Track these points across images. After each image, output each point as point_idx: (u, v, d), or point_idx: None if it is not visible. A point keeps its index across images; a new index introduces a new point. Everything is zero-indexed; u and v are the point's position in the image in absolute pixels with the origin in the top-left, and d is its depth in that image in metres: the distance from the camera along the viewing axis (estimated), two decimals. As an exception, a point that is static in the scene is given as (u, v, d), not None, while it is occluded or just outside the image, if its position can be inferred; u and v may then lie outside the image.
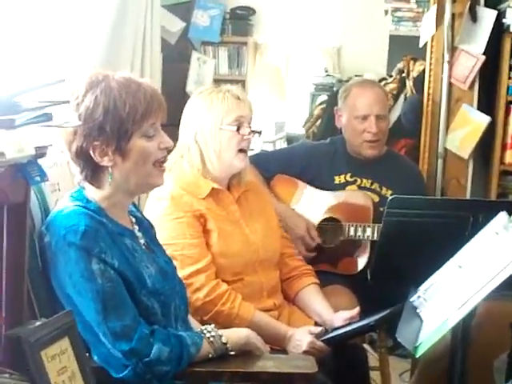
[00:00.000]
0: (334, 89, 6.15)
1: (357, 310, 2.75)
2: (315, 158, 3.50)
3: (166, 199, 2.62)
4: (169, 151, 2.17)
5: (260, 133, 2.82)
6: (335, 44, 7.39)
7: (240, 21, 7.18)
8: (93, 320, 1.96)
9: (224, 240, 2.67)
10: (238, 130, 2.68)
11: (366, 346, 3.51)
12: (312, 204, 3.41)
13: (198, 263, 2.59)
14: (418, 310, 2.13)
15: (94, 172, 2.06)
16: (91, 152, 2.02)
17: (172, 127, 2.20)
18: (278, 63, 7.62)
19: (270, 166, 3.33)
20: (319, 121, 5.33)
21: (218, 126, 2.67)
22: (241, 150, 2.71)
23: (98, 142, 2.01)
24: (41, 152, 1.79)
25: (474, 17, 4.09)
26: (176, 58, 4.22)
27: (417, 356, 1.95)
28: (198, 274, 2.58)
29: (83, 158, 2.04)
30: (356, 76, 6.18)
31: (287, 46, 7.65)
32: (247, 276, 2.72)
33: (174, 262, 2.41)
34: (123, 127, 2.01)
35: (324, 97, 6.06)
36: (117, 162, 2.04)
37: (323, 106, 5.45)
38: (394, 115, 4.83)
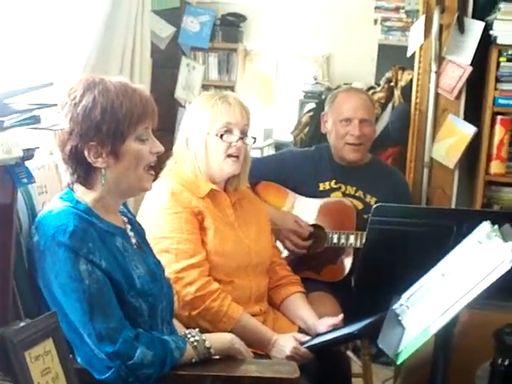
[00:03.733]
0: (323, 97, 6.18)
1: (340, 316, 2.77)
2: (300, 165, 3.52)
3: (166, 194, 2.65)
4: (159, 157, 2.20)
5: (255, 139, 2.83)
6: (325, 52, 7.44)
7: (230, 27, 7.22)
8: (78, 321, 1.97)
9: (219, 239, 2.70)
10: (221, 136, 2.70)
11: (349, 353, 3.54)
12: (300, 211, 3.42)
13: (193, 258, 2.61)
14: (400, 318, 2.14)
15: (86, 173, 2.07)
16: (86, 153, 2.03)
17: (160, 132, 2.22)
18: (268, 70, 7.65)
19: (254, 172, 3.35)
20: (307, 128, 5.36)
21: (206, 132, 2.71)
22: (230, 156, 2.73)
23: (93, 142, 2.03)
24: (28, 154, 1.80)
25: (461, 28, 4.12)
26: (165, 63, 4.22)
27: (398, 363, 1.96)
28: (191, 268, 2.60)
29: (77, 158, 2.05)
30: (345, 84, 6.21)
31: (277, 53, 7.69)
32: (238, 279, 2.74)
33: (169, 256, 2.48)
34: (119, 129, 2.04)
35: (312, 104, 6.08)
36: (110, 163, 2.06)
37: (311, 113, 5.48)
38: (382, 124, 4.86)
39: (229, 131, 2.72)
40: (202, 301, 2.59)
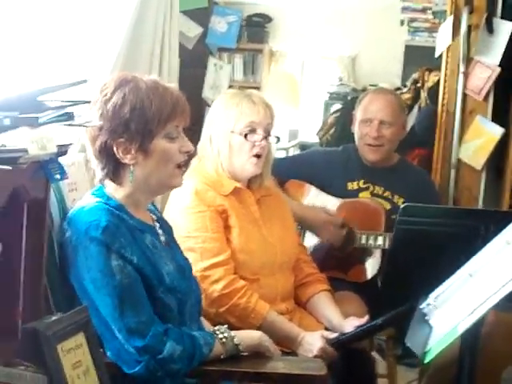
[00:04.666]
0: (348, 98, 6.18)
1: (366, 317, 2.75)
2: (328, 164, 3.53)
3: (190, 193, 2.66)
4: (189, 155, 2.21)
5: (278, 138, 2.84)
6: (350, 53, 7.42)
7: (256, 28, 7.21)
8: (109, 315, 1.99)
9: (244, 237, 2.71)
10: (245, 136, 2.71)
11: (374, 353, 3.53)
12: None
13: (218, 257, 2.62)
14: (427, 318, 2.14)
15: (115, 169, 2.10)
16: (115, 149, 2.05)
17: (187, 132, 2.23)
18: (293, 71, 7.64)
19: (283, 171, 3.36)
20: (333, 129, 5.36)
21: (230, 131, 2.71)
22: (253, 156, 2.74)
23: (122, 139, 2.05)
24: (62, 150, 1.82)
25: (490, 28, 4.10)
26: (193, 63, 4.24)
27: (425, 362, 1.97)
28: (216, 266, 2.61)
29: (106, 154, 2.07)
30: (370, 85, 6.20)
31: (302, 54, 7.68)
32: (264, 277, 2.75)
33: (194, 255, 2.49)
34: (148, 126, 2.05)
35: (338, 105, 6.08)
36: (139, 160, 2.08)
37: (337, 114, 5.49)
38: (408, 125, 4.84)
39: (253, 130, 2.72)
40: (228, 298, 2.60)
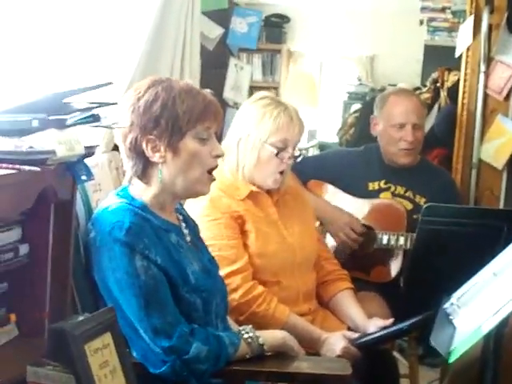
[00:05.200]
0: (367, 98, 6.18)
1: (391, 320, 2.73)
2: (349, 165, 3.53)
3: (203, 201, 2.62)
4: None
5: (300, 152, 2.82)
6: (369, 53, 7.42)
7: (274, 28, 7.23)
8: (134, 316, 2.01)
9: (262, 241, 2.69)
10: (277, 154, 2.69)
11: (395, 353, 3.53)
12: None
13: (235, 264, 2.61)
14: (451, 317, 2.14)
15: (144, 167, 2.10)
16: (144, 146, 2.06)
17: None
18: (312, 71, 7.65)
19: (305, 171, 3.36)
20: (353, 129, 5.36)
21: (263, 141, 2.68)
22: (279, 173, 2.73)
23: (152, 135, 2.05)
24: (89, 152, 1.84)
25: (511, 28, 4.09)
26: (214, 64, 4.25)
27: (450, 362, 1.96)
28: (234, 274, 2.59)
29: (136, 151, 2.08)
30: (389, 85, 6.19)
31: (321, 54, 7.69)
32: (285, 279, 2.73)
33: None
34: (177, 123, 2.06)
35: (357, 105, 6.07)
36: (168, 159, 2.08)
37: (357, 114, 5.48)
38: (428, 125, 4.83)
39: (284, 147, 2.70)
40: (247, 306, 2.59)
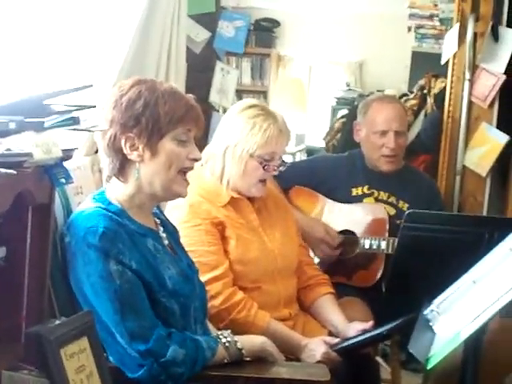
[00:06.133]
0: (355, 103, 6.18)
1: (371, 323, 2.74)
2: (333, 170, 3.53)
3: (184, 207, 2.63)
4: None
5: (284, 161, 2.83)
6: (358, 59, 7.45)
7: (264, 32, 7.24)
8: (110, 320, 2.00)
9: (242, 247, 2.68)
10: (264, 167, 2.69)
11: (378, 358, 3.53)
12: (332, 217, 3.43)
13: (215, 270, 2.60)
14: (430, 323, 2.14)
15: (121, 165, 2.10)
16: (123, 143, 2.06)
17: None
18: (300, 76, 7.66)
19: (288, 177, 3.36)
20: (339, 134, 5.37)
21: (250, 153, 2.67)
22: (261, 181, 2.74)
23: (131, 133, 2.06)
24: (67, 154, 1.83)
25: (495, 36, 4.11)
26: (200, 67, 4.24)
27: (428, 368, 1.97)
28: (214, 281, 2.58)
29: (114, 148, 2.08)
30: (378, 91, 6.21)
31: (310, 59, 7.70)
32: (265, 285, 2.73)
33: None
34: (158, 124, 2.06)
35: (345, 111, 6.09)
36: (145, 158, 2.08)
37: (344, 119, 5.49)
38: (414, 131, 4.86)
39: (271, 159, 2.70)
40: (227, 313, 2.58)
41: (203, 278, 2.53)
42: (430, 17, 6.32)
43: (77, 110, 1.87)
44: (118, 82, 2.80)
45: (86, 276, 2.02)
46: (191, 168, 2.18)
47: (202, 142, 2.67)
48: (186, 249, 2.45)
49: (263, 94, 7.10)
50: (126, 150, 2.08)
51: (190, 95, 2.21)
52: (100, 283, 2.00)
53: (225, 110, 3.83)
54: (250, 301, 2.63)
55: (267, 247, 2.77)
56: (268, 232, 2.81)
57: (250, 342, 2.23)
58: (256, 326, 2.59)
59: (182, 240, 2.47)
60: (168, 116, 2.07)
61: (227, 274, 2.63)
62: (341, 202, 3.45)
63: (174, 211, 2.63)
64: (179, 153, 2.11)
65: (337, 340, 2.66)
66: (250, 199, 2.81)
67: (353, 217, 3.43)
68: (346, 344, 2.63)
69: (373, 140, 3.47)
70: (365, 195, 3.47)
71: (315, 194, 3.50)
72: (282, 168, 2.78)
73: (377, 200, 3.46)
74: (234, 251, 2.67)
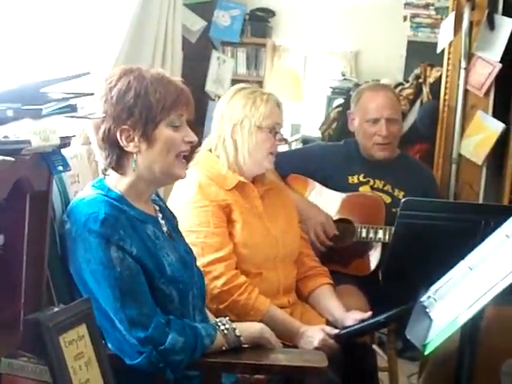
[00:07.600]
0: (351, 93, 6.14)
1: (369, 313, 2.75)
2: (329, 159, 3.54)
3: (193, 187, 2.67)
4: (192, 147, 2.22)
5: (287, 141, 2.89)
6: (353, 48, 7.41)
7: (259, 22, 7.20)
8: (110, 307, 2.00)
9: (247, 231, 2.72)
10: (275, 134, 2.76)
11: (375, 346, 3.55)
12: (324, 204, 3.43)
13: (219, 252, 2.63)
14: (427, 310, 2.15)
15: (118, 158, 2.10)
16: (118, 136, 2.06)
17: (190, 125, 2.24)
18: (296, 66, 7.64)
19: (284, 166, 3.36)
20: (335, 123, 5.37)
21: (257, 124, 2.73)
22: (271, 153, 2.78)
23: (125, 125, 2.05)
24: (65, 142, 1.83)
25: (491, 25, 4.11)
26: (196, 56, 4.24)
27: (425, 354, 1.97)
28: (218, 262, 2.61)
29: (109, 141, 2.08)
30: (373, 81, 6.19)
31: (305, 48, 7.67)
32: (266, 271, 2.76)
33: (196, 250, 2.46)
34: (151, 113, 2.06)
35: (340, 100, 6.08)
36: (142, 148, 2.08)
37: (339, 109, 5.49)
38: (410, 120, 4.86)
39: (276, 130, 2.78)
40: (229, 294, 2.61)
41: (207, 258, 2.58)
42: (426, 6, 6.33)
43: (74, 97, 1.87)
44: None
45: (87, 262, 2.02)
46: (188, 151, 2.18)
47: (197, 130, 2.68)
48: (192, 229, 2.51)
49: (259, 83, 7.06)
50: (123, 143, 2.07)
51: (178, 78, 2.21)
52: (100, 270, 2.00)
53: (221, 99, 3.83)
54: (252, 285, 2.66)
55: (270, 233, 2.80)
56: (271, 219, 2.85)
57: (248, 328, 2.24)
58: (256, 310, 2.61)
59: (188, 221, 2.50)
60: (160, 104, 2.07)
61: (231, 257, 2.66)
62: (337, 189, 3.45)
63: (182, 191, 2.66)
64: (175, 138, 2.11)
65: (335, 331, 2.66)
66: (256, 185, 2.85)
67: (346, 204, 3.43)
68: (344, 332, 2.64)
69: (365, 128, 3.48)
70: (361, 183, 3.48)
71: (307, 181, 3.50)
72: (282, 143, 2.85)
73: (372, 188, 3.47)
74: (240, 234, 2.71)
